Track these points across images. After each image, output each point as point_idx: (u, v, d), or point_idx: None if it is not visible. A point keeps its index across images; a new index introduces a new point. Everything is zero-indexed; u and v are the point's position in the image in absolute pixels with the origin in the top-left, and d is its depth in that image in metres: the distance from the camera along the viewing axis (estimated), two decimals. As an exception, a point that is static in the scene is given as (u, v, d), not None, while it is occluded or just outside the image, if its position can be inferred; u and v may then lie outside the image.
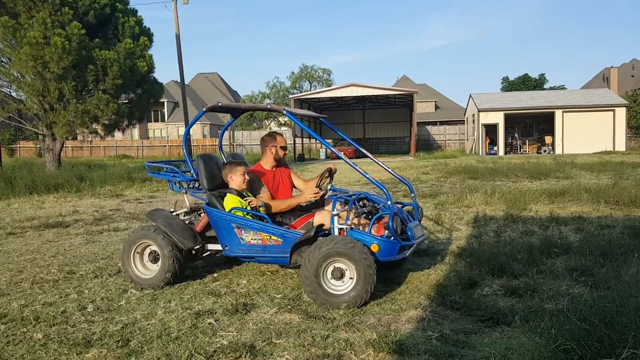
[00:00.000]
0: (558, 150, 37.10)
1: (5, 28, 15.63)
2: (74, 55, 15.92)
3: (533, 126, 42.68)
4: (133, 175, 17.01)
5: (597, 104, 37.71)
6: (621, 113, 37.24)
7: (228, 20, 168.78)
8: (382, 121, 49.64)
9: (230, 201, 4.58)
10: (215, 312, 3.90)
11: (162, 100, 50.42)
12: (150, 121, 63.96)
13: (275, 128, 58.30)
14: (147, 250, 4.76)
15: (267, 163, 5.14)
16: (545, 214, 8.03)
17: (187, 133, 5.86)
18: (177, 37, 28.63)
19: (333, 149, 5.37)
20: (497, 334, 3.35)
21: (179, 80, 30.97)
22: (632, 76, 66.39)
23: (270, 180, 5.04)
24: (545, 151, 37.82)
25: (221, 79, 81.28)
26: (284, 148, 5.16)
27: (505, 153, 38.34)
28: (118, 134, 36.64)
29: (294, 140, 38.41)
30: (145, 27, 19.66)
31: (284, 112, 4.70)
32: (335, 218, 4.28)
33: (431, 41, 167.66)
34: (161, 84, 21.43)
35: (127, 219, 9.04)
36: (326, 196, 5.08)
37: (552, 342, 2.91)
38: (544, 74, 61.31)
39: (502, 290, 4.27)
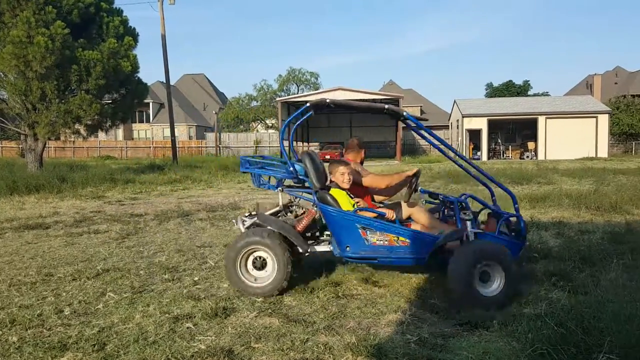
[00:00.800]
0: (541, 156, 37.53)
1: (-13, 26, 15.43)
2: (57, 54, 15.74)
3: (516, 132, 43.15)
4: (116, 177, 16.85)
5: (580, 111, 38.26)
6: (604, 120, 37.81)
7: (215, 22, 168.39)
8: (369, 125, 49.82)
9: (342, 200, 4.47)
10: (194, 316, 3.86)
11: (147, 100, 50.13)
12: (135, 122, 63.41)
13: (262, 131, 58.18)
14: (252, 257, 4.46)
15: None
16: (526, 219, 8.10)
17: (283, 132, 5.55)
18: (163, 37, 28.47)
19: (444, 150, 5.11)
20: (475, 338, 3.36)
21: (164, 81, 30.75)
22: (616, 83, 67.44)
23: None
24: (528, 157, 38.25)
25: (208, 80, 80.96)
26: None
27: (489, 158, 38.71)
28: (102, 135, 36.33)
29: (282, 143, 38.23)
30: (130, 27, 19.51)
31: (405, 114, 4.52)
32: (468, 222, 4.32)
33: (417, 46, 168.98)
34: (146, 84, 21.26)
35: (107, 220, 8.94)
36: (417, 195, 5.02)
37: (528, 346, 2.94)
38: (528, 81, 62.15)
39: (481, 295, 4.29)
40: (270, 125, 58.44)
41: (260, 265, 4.42)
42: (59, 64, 16.14)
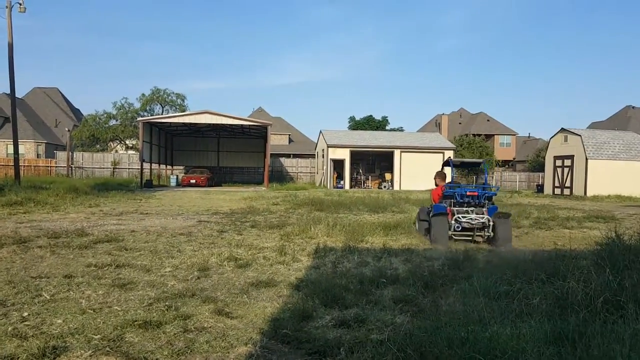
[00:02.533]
0: (396, 187, 40.29)
1: None
2: None
3: (375, 163, 45.93)
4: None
5: (430, 147, 41.93)
6: (450, 155, 41.84)
7: (73, 35, 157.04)
8: (237, 150, 49.53)
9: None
10: (17, 358, 3.39)
11: (-14, 113, 44.63)
12: (-29, 136, 56.14)
13: (121, 152, 54.77)
14: None
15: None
16: (379, 246, 8.55)
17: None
18: (10, 46, 25.76)
19: None
20: (323, 367, 3.38)
21: (10, 93, 27.67)
22: (460, 123, 75.34)
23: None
24: (385, 187, 40.84)
25: (62, 94, 74.63)
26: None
27: (351, 187, 40.60)
28: None
29: (142, 165, 36.42)
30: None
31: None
32: None
33: (286, 78, 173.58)
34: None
35: None
36: None
37: (371, 372, 3.02)
38: (386, 117, 66.63)
39: (333, 322, 4.37)
40: (131, 145, 55.30)
41: None
42: None
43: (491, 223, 8.99)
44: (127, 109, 54.08)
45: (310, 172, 49.89)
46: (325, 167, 41.10)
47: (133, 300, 4.97)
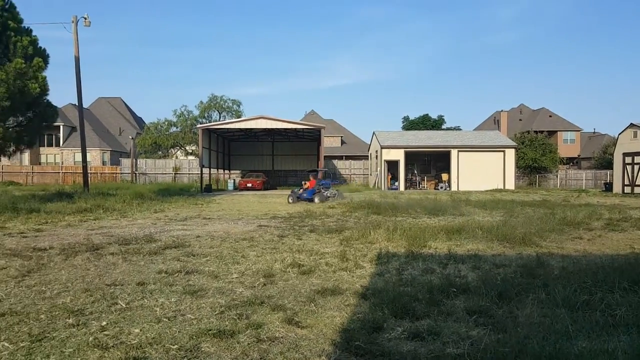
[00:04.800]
0: (454, 187, 39.40)
1: None
2: (-46, 72, 14.47)
3: (431, 163, 45.14)
4: (19, 206, 15.55)
5: (489, 145, 40.75)
6: (510, 154, 40.51)
7: (134, 45, 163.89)
8: (291, 154, 50.09)
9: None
10: (101, 369, 3.50)
11: (57, 123, 47.34)
12: (44, 146, 59.70)
13: (181, 158, 56.61)
14: None
15: None
16: (444, 252, 8.33)
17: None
18: (77, 59, 27.14)
19: None
20: (401, 383, 3.29)
21: (77, 103, 29.18)
22: (520, 120, 72.79)
23: None
24: (442, 187, 40.02)
25: (125, 104, 78.05)
26: None
27: (406, 188, 40.08)
28: (4, 159, 33.69)
29: (201, 170, 37.46)
30: (40, 47, 18.40)
31: None
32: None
33: (338, 79, 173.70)
34: (55, 107, 20.04)
35: (6, 255, 8.13)
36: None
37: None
38: (442, 115, 65.39)
39: (405, 334, 4.27)
40: (190, 151, 57.06)
41: None
42: (-44, 83, 14.85)
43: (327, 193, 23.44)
44: (187, 116, 55.91)
45: (364, 174, 49.68)
46: (379, 169, 40.78)
47: (205, 308, 5.06)
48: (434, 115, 65.25)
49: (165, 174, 48.60)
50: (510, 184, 39.65)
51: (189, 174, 48.51)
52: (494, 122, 71.08)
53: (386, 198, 24.12)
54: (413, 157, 42.46)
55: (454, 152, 40.09)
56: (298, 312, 4.95)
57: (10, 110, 16.65)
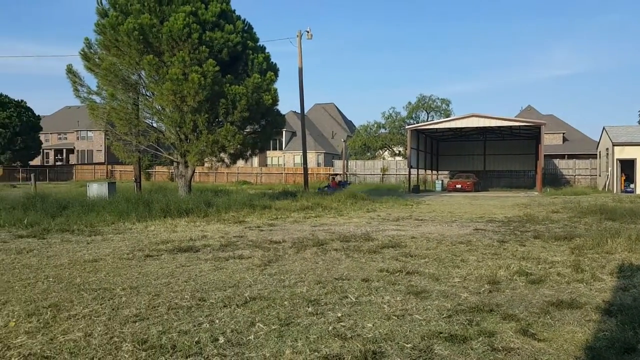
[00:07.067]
0: None
1: (150, 66, 17.32)
2: (208, 90, 17.19)
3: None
4: (254, 202, 17.76)
5: None
6: None
7: (344, 51, 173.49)
8: (505, 153, 47.42)
9: None
10: (344, 358, 3.77)
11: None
12: (269, 149, 67.12)
13: (389, 158, 58.10)
14: None
15: None
16: None
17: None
18: (300, 71, 29.83)
19: None
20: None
21: (297, 111, 32.24)
22: None
23: None
24: (695, 191, 33.44)
25: (337, 109, 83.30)
26: None
27: (645, 191, 34.57)
28: (240, 161, 38.91)
29: (409, 172, 37.90)
30: (272, 62, 20.72)
31: None
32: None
33: (556, 70, 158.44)
34: (283, 115, 22.37)
35: (250, 246, 9.35)
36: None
37: None
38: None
39: (669, 362, 3.68)
40: (397, 152, 58.14)
41: None
42: (209, 99, 17.60)
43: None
44: (395, 117, 57.15)
45: (591, 175, 44.37)
46: (610, 169, 35.97)
47: (431, 310, 5.08)
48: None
49: (374, 174, 50.41)
50: None
51: (396, 174, 49.48)
52: None
53: (621, 202, 21.17)
54: (654, 155, 36.40)
55: None
56: (532, 323, 4.64)
57: (249, 119, 19.14)
